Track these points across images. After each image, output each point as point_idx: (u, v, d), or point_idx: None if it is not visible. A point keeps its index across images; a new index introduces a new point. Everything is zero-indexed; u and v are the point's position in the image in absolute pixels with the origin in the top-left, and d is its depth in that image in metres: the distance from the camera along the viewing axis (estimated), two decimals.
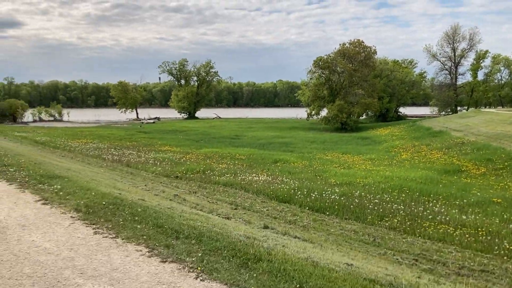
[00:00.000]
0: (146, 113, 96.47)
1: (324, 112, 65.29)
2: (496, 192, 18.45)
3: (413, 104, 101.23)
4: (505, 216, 13.72)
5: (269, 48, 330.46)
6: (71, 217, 7.32)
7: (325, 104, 64.60)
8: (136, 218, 7.30)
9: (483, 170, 24.44)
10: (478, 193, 17.31)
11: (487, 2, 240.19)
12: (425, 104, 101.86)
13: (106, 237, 6.26)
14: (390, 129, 54.38)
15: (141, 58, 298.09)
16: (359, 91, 60.89)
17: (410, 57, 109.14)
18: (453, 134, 38.66)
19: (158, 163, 23.64)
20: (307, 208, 14.88)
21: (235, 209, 13.99)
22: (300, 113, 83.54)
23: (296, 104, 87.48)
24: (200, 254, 5.54)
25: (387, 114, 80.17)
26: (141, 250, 5.70)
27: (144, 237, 6.22)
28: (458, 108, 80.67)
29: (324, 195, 16.18)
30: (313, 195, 16.14)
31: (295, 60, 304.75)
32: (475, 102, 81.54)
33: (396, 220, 13.27)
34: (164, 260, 5.36)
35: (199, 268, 5.08)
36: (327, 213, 14.31)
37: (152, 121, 77.94)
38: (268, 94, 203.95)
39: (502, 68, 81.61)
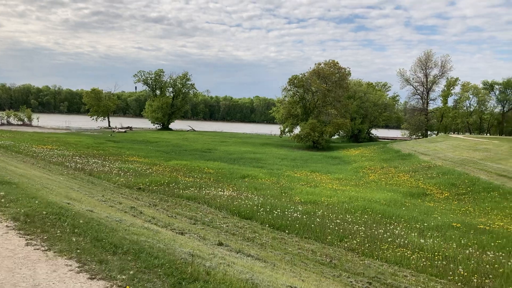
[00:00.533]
0: (118, 122, 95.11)
1: (297, 130, 65.63)
2: (456, 216, 18.66)
3: (386, 126, 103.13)
4: (462, 241, 13.80)
5: (247, 64, 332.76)
6: (6, 226, 6.88)
7: (298, 122, 64.99)
8: (76, 230, 6.93)
9: (446, 194, 24.78)
10: (439, 217, 17.45)
11: (460, 32, 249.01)
12: (398, 127, 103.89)
13: (37, 249, 5.88)
14: (361, 150, 54.96)
15: (118, 67, 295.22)
16: (332, 111, 61.57)
17: (385, 80, 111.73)
18: (421, 157, 39.29)
19: (122, 174, 23.07)
20: (268, 225, 14.66)
21: (194, 224, 13.65)
22: (275, 129, 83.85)
23: (271, 120, 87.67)
24: (133, 272, 5.23)
25: (359, 135, 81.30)
26: (71, 265, 5.35)
27: (78, 251, 5.87)
28: (428, 132, 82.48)
29: (286, 212, 16.01)
30: (276, 212, 15.96)
31: (273, 77, 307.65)
32: (445, 127, 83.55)
33: (355, 242, 13.18)
34: (93, 276, 5.02)
35: (128, 287, 4.78)
36: (287, 231, 14.11)
37: (123, 130, 76.68)
38: (245, 110, 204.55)
39: (471, 96, 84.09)
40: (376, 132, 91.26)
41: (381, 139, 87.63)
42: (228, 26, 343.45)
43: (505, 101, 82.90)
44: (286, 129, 66.40)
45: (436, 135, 75.46)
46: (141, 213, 13.34)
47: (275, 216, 15.45)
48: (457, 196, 24.39)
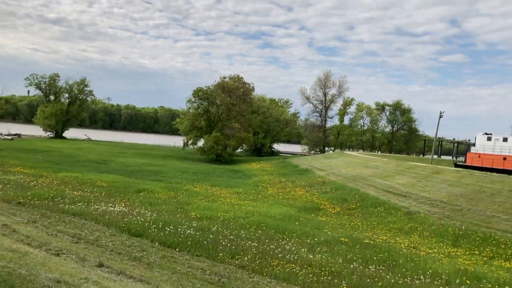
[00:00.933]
0: (5, 128, 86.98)
1: (201, 143, 65.14)
2: (346, 231, 19.50)
3: (288, 141, 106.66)
4: (348, 256, 14.34)
5: (153, 73, 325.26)
6: None
7: (202, 134, 64.57)
8: None
9: (338, 209, 25.94)
10: (329, 232, 18.08)
11: (357, 55, 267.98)
12: (299, 142, 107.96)
13: None
14: (262, 164, 56.02)
15: (9, 68, 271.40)
16: (236, 125, 62.16)
17: (289, 97, 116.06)
18: (317, 173, 40.96)
19: (1, 186, 20.86)
20: (159, 243, 14.00)
21: (76, 242, 12.59)
22: (178, 141, 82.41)
23: (176, 131, 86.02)
24: None
25: (262, 149, 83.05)
26: None
27: None
28: (326, 148, 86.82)
29: (179, 229, 15.47)
30: (168, 229, 15.35)
31: (179, 87, 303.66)
32: (341, 144, 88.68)
33: (247, 258, 13.05)
34: None
35: None
36: (179, 249, 13.59)
37: (10, 137, 70.20)
38: (148, 119, 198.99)
39: (365, 116, 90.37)
40: (278, 146, 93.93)
41: (282, 153, 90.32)
42: (134, 33, 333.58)
43: (394, 122, 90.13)
44: (190, 142, 65.58)
45: (333, 151, 79.68)
46: (14, 231, 12.04)
47: (167, 233, 14.85)
48: (348, 210, 25.63)
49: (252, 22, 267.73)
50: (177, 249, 13.59)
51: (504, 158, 43.59)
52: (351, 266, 13.16)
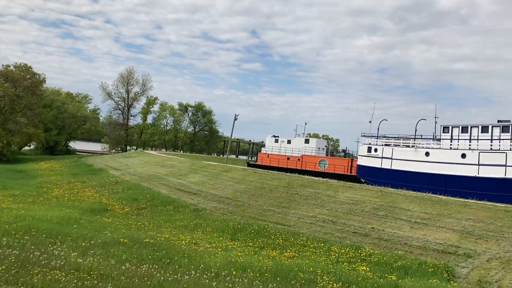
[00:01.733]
0: None
1: None
2: (129, 231, 18.97)
3: (88, 139, 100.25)
4: (123, 257, 13.88)
5: None
6: None
7: None
8: None
9: (127, 209, 25.22)
10: (109, 234, 17.29)
11: (165, 55, 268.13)
12: (100, 140, 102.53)
13: None
14: (52, 163, 51.29)
15: None
16: (22, 119, 55.40)
17: (92, 93, 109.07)
18: (111, 172, 39.31)
19: None
20: None
21: None
22: None
23: None
24: None
25: (56, 148, 76.09)
26: None
27: None
28: (128, 147, 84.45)
29: None
30: None
31: None
32: (144, 143, 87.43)
33: (0, 269, 11.44)
34: None
35: None
36: None
37: None
38: None
39: (168, 115, 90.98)
40: (75, 145, 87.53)
41: (80, 152, 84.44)
42: None
43: (196, 122, 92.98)
44: None
45: (135, 150, 77.91)
46: None
47: None
48: (138, 210, 25.13)
49: (51, 8, 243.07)
50: None
51: (288, 158, 49.14)
52: (123, 267, 12.72)
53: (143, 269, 12.79)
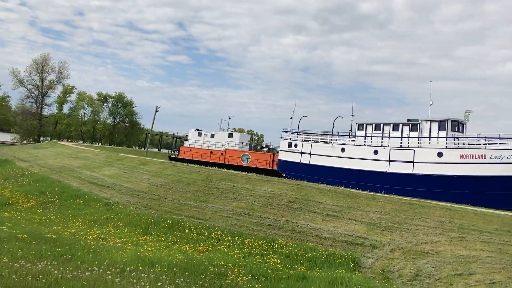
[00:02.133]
0: None
1: None
2: (31, 226, 17.68)
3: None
4: (19, 254, 12.81)
5: None
6: None
7: None
8: None
9: (32, 203, 23.57)
10: (6, 229, 15.99)
11: (86, 43, 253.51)
12: (9, 130, 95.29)
13: None
14: None
15: None
16: None
17: (3, 80, 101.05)
18: (19, 164, 36.63)
19: None
20: None
21: None
22: None
23: None
24: None
25: None
26: None
27: None
28: (42, 138, 79.31)
29: None
30: None
31: None
32: (59, 134, 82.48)
33: None
34: None
35: None
36: None
37: None
38: None
39: (86, 106, 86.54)
40: None
41: None
42: None
43: (116, 114, 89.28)
44: None
45: (50, 141, 73.33)
46: None
47: None
48: (44, 204, 23.59)
49: None
50: None
51: (211, 152, 48.74)
52: (17, 264, 11.73)
53: (40, 266, 11.89)
